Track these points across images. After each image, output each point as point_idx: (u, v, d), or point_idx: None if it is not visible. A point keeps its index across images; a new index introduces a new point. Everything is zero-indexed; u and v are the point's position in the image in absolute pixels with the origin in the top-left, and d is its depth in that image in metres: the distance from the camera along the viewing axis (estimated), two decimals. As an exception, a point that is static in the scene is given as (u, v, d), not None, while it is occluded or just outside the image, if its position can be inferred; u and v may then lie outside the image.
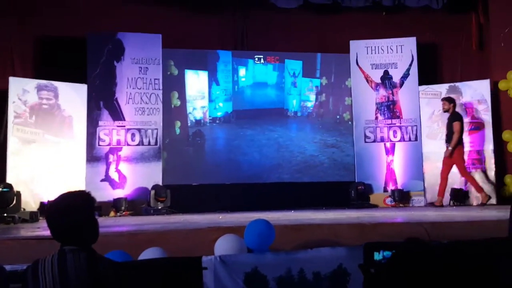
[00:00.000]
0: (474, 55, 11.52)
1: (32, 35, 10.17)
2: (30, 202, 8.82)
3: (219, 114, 10.86)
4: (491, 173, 10.23)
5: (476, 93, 10.51)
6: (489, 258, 3.90)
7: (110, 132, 9.91)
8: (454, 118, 9.82)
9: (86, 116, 9.76)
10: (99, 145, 9.85)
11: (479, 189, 9.71)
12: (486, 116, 10.39)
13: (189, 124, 10.70)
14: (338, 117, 11.31)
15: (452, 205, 10.06)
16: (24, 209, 8.41)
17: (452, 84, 10.84)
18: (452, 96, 10.46)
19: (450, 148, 9.66)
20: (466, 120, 10.38)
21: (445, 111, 9.99)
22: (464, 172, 9.82)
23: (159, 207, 9.47)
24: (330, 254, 4.29)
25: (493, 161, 10.24)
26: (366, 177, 10.64)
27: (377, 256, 3.22)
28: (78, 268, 2.68)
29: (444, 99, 10.12)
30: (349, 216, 6.93)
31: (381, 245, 3.25)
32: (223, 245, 4.49)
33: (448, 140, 9.79)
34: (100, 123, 9.88)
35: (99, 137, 9.85)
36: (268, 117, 11.02)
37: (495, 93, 10.54)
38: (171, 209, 9.52)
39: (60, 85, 9.57)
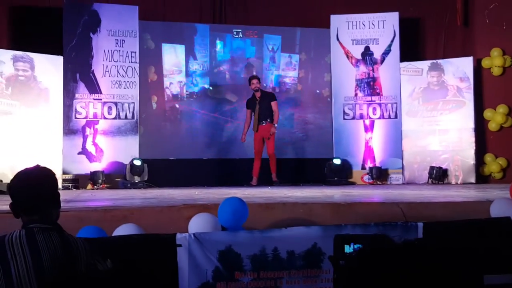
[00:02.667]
0: (458, 31, 11.35)
1: (8, 4, 10.00)
2: (7, 174, 8.67)
3: (196, 89, 10.76)
4: (471, 152, 10.23)
5: (458, 70, 10.45)
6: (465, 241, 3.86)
7: (86, 105, 9.80)
8: (272, 97, 9.90)
9: (62, 88, 9.62)
10: (75, 117, 9.76)
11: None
12: (468, 94, 10.35)
13: (166, 99, 10.62)
14: (317, 92, 11.25)
15: (430, 183, 10.10)
16: (1, 181, 8.41)
17: (434, 61, 10.77)
18: (434, 73, 10.46)
19: (276, 125, 9.77)
20: (447, 98, 10.39)
21: (257, 90, 9.85)
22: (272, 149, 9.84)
23: (136, 181, 9.41)
24: (305, 233, 4.25)
25: (473, 139, 10.24)
26: (344, 154, 10.60)
27: (348, 248, 3.17)
28: (52, 249, 2.55)
29: (255, 78, 9.97)
30: (325, 194, 6.91)
31: (352, 237, 3.20)
32: (198, 223, 4.44)
33: (264, 117, 9.75)
34: (77, 95, 9.78)
35: (75, 109, 9.75)
36: (246, 93, 10.92)
37: (478, 71, 10.52)
38: (148, 183, 9.49)
39: (36, 56, 9.38)
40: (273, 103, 9.82)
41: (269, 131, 9.71)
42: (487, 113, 10.42)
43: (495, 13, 10.52)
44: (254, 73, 10.56)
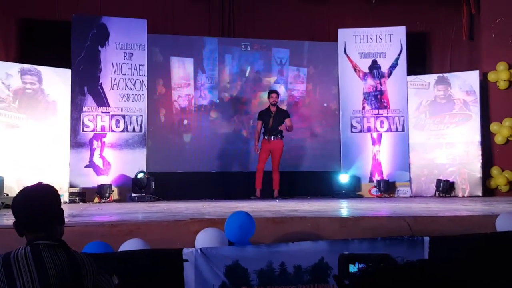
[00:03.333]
0: (464, 45, 11.46)
1: (16, 17, 10.09)
2: (13, 187, 8.66)
3: (204, 102, 10.79)
4: (478, 165, 10.21)
5: (465, 84, 10.46)
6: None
7: (94, 118, 9.82)
8: (286, 114, 10.06)
9: (70, 101, 9.65)
10: (83, 131, 9.76)
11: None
12: (474, 107, 10.35)
13: (174, 112, 10.65)
14: (325, 105, 11.26)
15: (437, 196, 10.08)
16: (7, 195, 8.29)
17: (440, 74, 10.80)
18: (440, 87, 10.47)
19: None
20: (454, 111, 10.40)
21: (274, 104, 9.96)
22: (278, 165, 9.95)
23: (143, 194, 9.41)
24: (312, 247, 4.24)
25: (480, 153, 10.22)
26: (352, 167, 10.60)
27: (352, 268, 3.16)
28: (59, 267, 2.52)
29: (275, 92, 10.11)
30: (333, 208, 6.90)
31: (356, 257, 3.18)
32: (204, 238, 4.43)
33: (276, 132, 9.87)
34: (84, 108, 9.79)
35: (83, 122, 9.76)
36: (254, 106, 10.95)
37: (484, 85, 10.52)
38: (155, 196, 9.48)
39: (43, 69, 9.42)
40: (287, 120, 9.93)
41: (280, 147, 9.81)
42: (494, 127, 10.40)
43: (501, 27, 10.52)
44: (266, 87, 10.65)
